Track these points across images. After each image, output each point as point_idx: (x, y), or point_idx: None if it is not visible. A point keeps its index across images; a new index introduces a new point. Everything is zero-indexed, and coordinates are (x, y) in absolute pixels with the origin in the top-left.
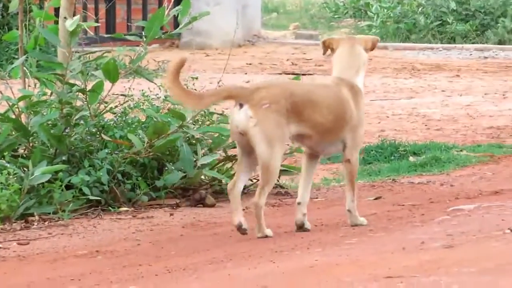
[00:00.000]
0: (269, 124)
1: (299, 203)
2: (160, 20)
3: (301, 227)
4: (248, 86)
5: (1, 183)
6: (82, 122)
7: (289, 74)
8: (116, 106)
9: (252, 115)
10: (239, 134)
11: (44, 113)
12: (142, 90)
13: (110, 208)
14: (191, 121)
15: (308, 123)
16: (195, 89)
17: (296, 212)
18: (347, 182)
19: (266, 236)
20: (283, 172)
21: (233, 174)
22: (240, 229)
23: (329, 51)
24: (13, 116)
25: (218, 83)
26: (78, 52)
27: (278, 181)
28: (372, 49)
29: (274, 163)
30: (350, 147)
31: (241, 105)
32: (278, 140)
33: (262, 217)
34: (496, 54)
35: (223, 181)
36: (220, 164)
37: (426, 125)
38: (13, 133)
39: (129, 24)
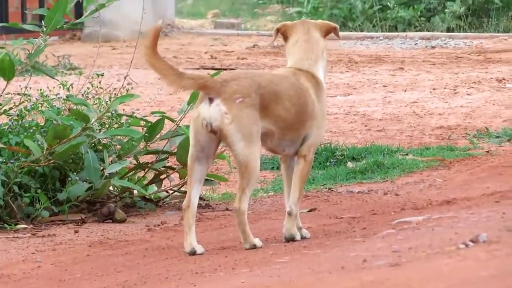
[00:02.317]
0: (246, 120)
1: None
2: (63, 8)
3: (292, 239)
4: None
5: None
6: None
7: (208, 69)
8: (11, 108)
9: (226, 110)
10: (208, 132)
11: None
12: (41, 90)
13: (6, 225)
14: (96, 123)
15: (272, 118)
16: (101, 88)
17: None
18: (296, 181)
19: (255, 247)
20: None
21: (180, 189)
22: (193, 255)
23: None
24: None
25: (125, 78)
26: None
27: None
28: (331, 34)
29: (254, 162)
30: (309, 143)
31: (211, 99)
32: (256, 136)
33: (247, 224)
34: (445, 43)
35: (134, 192)
36: (131, 173)
37: (366, 126)
38: None
39: (25, 12)
